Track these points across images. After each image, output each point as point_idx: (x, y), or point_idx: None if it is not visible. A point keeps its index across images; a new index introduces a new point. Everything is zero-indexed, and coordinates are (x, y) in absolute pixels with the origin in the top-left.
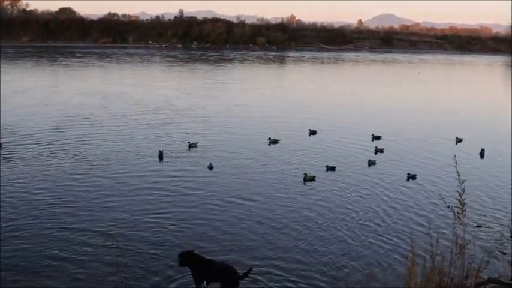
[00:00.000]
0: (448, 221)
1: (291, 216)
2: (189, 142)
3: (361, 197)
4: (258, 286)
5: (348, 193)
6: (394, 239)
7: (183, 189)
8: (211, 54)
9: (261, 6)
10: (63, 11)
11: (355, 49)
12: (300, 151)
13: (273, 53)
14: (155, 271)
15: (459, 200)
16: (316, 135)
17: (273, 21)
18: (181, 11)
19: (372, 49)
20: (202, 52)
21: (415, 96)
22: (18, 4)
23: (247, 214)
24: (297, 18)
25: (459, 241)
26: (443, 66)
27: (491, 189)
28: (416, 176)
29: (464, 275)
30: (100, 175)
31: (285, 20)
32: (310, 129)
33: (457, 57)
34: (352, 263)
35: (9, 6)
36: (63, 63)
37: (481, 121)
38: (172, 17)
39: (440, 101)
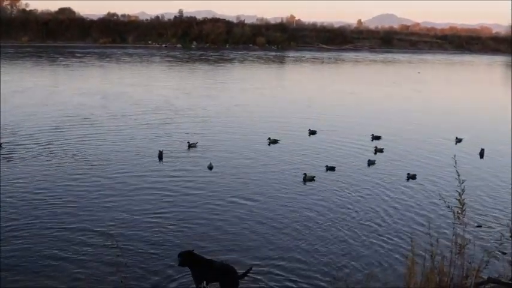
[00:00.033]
0: (448, 221)
1: (291, 216)
2: (188, 142)
3: (361, 197)
4: (258, 286)
5: (348, 193)
6: (394, 238)
7: (182, 189)
8: (211, 54)
9: (261, 6)
10: (63, 11)
11: (355, 49)
12: (300, 151)
13: (273, 53)
14: (155, 271)
15: (459, 200)
16: (316, 135)
17: (272, 21)
18: (180, 11)
19: (371, 49)
20: (202, 52)
21: (415, 96)
22: (17, 4)
23: (247, 214)
24: (296, 18)
25: (459, 241)
26: (443, 66)
27: (491, 189)
28: (416, 176)
29: (464, 274)
30: (100, 175)
31: (284, 20)
32: (310, 129)
33: (457, 57)
34: (352, 262)
35: (8, 6)
36: (63, 63)
37: (481, 121)
38: (172, 17)
39: (440, 101)
